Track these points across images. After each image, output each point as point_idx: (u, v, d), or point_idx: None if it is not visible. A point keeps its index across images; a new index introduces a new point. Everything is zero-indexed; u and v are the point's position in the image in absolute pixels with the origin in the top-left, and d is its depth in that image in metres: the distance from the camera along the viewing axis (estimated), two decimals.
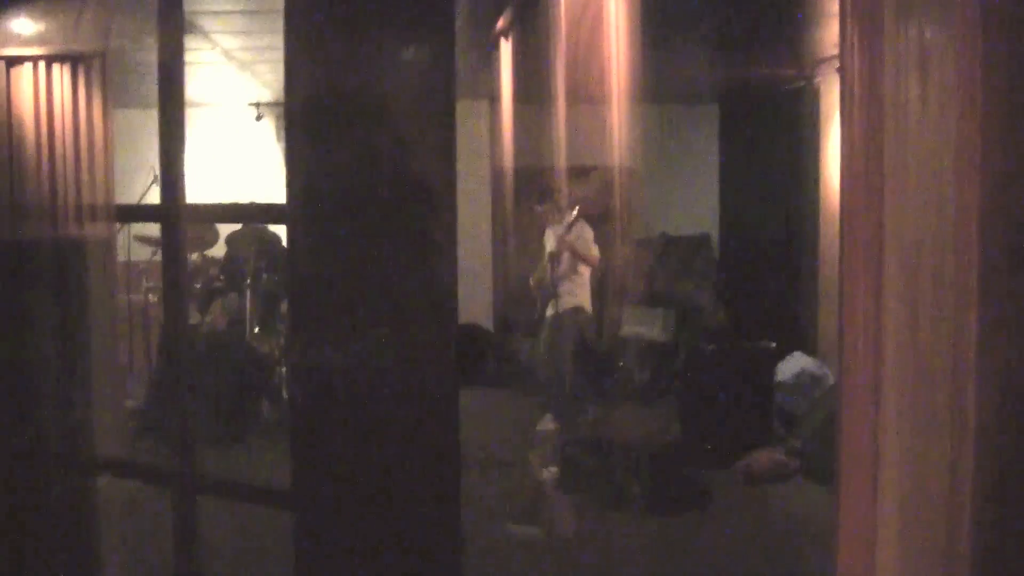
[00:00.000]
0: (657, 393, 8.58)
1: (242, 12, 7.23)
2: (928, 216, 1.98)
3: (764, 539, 5.47)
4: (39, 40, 3.45)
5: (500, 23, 7.08)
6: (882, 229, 2.13)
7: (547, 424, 7.63)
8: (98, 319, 3.34)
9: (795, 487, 6.33)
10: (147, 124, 10.16)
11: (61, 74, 3.35)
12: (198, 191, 10.00)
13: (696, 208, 11.33)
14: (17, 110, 3.37)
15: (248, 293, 8.24)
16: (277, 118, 10.96)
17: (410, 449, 2.73)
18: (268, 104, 10.86)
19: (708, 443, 6.97)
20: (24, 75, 3.35)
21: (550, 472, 6.33)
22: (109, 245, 3.37)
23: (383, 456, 2.72)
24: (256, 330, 8.37)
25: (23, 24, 3.49)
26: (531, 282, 8.05)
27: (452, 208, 2.71)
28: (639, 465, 6.26)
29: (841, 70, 2.27)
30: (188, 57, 8.58)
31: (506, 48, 7.24)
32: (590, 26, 6.64)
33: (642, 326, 9.20)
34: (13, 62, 3.37)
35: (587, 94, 10.64)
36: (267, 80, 9.72)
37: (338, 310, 2.72)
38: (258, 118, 10.85)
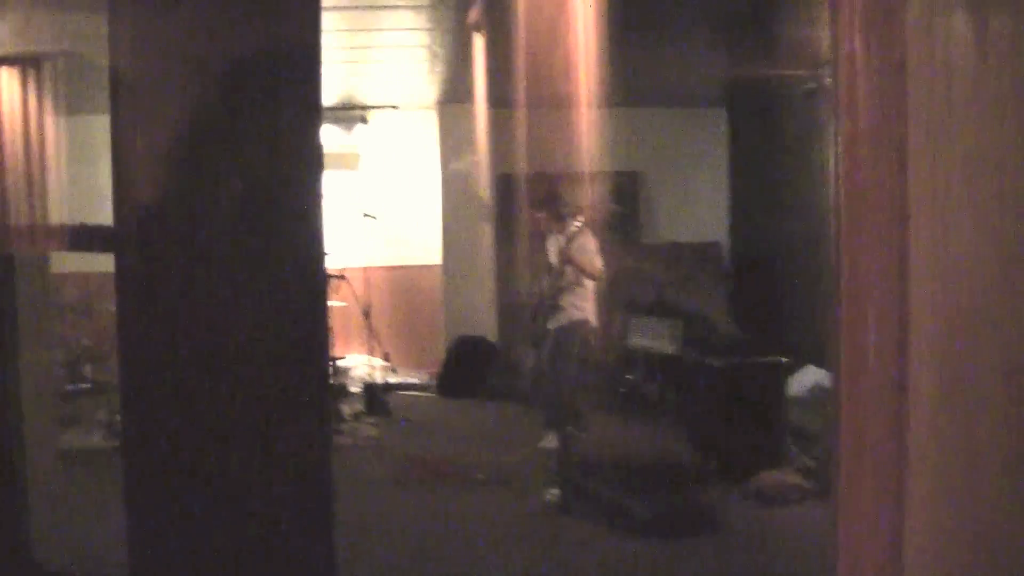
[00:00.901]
0: (664, 409, 8.34)
1: None
2: (983, 213, 1.85)
3: (775, 565, 5.22)
4: None
5: (472, 16, 6.85)
6: (905, 229, 2.06)
7: (549, 442, 7.43)
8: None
9: (808, 509, 6.08)
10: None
11: (9, 79, 3.15)
12: None
13: (705, 215, 11.10)
14: None
15: None
16: None
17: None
18: None
19: (716, 462, 6.73)
20: None
21: (551, 494, 6.09)
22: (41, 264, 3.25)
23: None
24: None
25: None
26: (534, 294, 7.82)
27: None
28: (644, 485, 6.03)
29: (834, 64, 2.18)
30: None
31: (479, 44, 6.99)
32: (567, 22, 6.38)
33: (649, 338, 8.98)
34: None
35: (588, 97, 10.52)
36: None
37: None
38: None
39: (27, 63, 3.15)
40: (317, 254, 3.43)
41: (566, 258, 7.34)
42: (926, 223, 2.03)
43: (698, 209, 11.06)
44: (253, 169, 3.18)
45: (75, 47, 3.27)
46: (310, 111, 3.32)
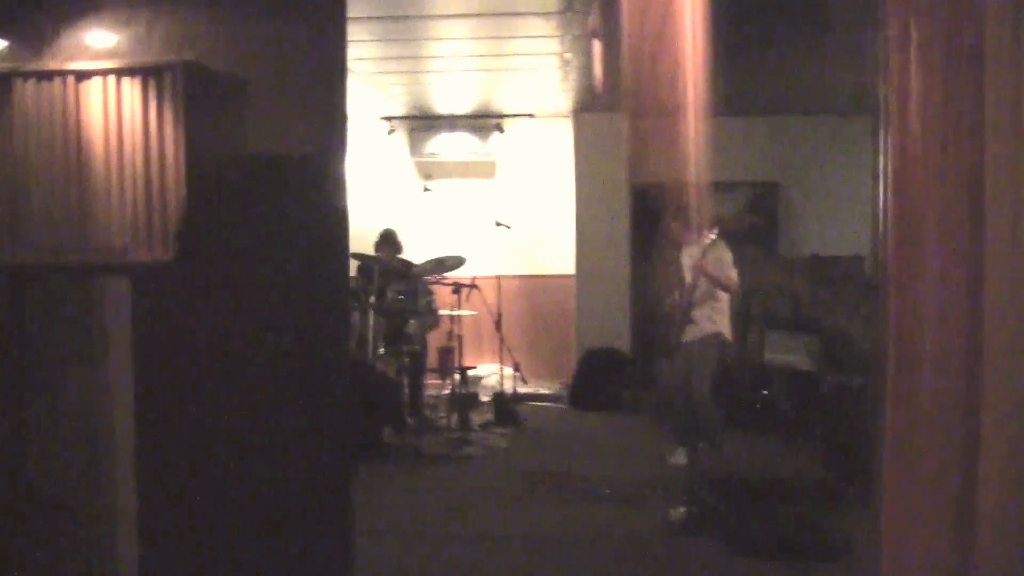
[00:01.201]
0: (799, 427, 8.08)
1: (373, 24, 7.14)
2: None
3: None
4: (109, 53, 3.32)
5: (591, 23, 6.76)
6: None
7: (678, 458, 7.28)
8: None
9: None
10: None
11: (131, 88, 3.20)
12: None
13: (849, 228, 10.74)
14: (86, 124, 3.24)
15: (371, 313, 8.10)
16: (410, 131, 10.89)
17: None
18: (400, 118, 10.79)
19: (853, 484, 6.46)
20: (93, 89, 3.22)
21: (678, 512, 5.93)
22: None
23: None
24: (380, 350, 8.24)
25: (93, 37, 3.36)
26: (667, 306, 7.67)
27: None
28: (776, 506, 5.83)
29: (883, 71, 2.14)
30: None
31: (597, 51, 6.91)
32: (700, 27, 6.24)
33: (785, 353, 8.72)
34: (82, 76, 3.25)
35: (728, 105, 10.32)
36: (395, 94, 9.64)
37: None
38: (390, 132, 10.78)
39: (149, 72, 3.19)
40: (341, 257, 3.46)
41: (700, 270, 7.17)
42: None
43: (841, 221, 10.70)
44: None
45: (197, 55, 3.29)
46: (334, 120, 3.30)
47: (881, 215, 2.40)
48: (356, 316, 8.51)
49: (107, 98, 3.23)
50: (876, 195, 2.38)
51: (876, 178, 2.40)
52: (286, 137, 3.32)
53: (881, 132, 2.26)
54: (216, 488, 3.36)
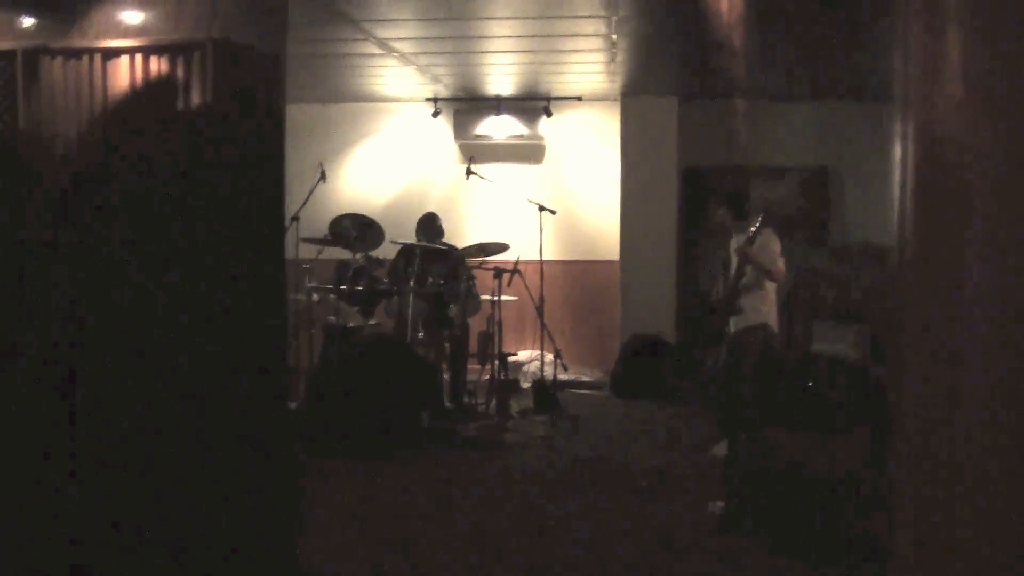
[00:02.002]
0: (846, 420, 7.94)
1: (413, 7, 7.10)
2: None
3: None
4: (137, 31, 3.28)
5: None
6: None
7: (721, 449, 7.18)
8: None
9: None
10: (303, 119, 10.03)
11: (159, 65, 3.16)
12: (375, 191, 9.91)
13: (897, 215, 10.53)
14: (114, 102, 3.21)
15: (411, 296, 8.07)
16: (455, 113, 10.84)
17: None
18: (445, 100, 10.74)
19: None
20: (121, 67, 3.19)
21: (716, 507, 5.85)
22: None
23: None
24: (420, 334, 8.21)
25: (121, 14, 3.33)
26: (712, 295, 7.56)
27: None
28: (817, 502, 5.71)
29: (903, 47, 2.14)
30: (371, 61, 8.52)
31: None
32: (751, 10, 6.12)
33: (834, 344, 8.58)
34: (110, 54, 3.22)
35: (777, 89, 10.18)
36: (440, 75, 9.59)
37: None
38: (435, 114, 10.74)
39: (177, 50, 3.15)
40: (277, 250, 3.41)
41: (746, 258, 7.05)
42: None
43: (893, 208, 10.48)
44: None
45: (227, 32, 3.25)
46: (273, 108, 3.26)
47: (898, 201, 2.38)
48: (396, 300, 8.51)
49: (135, 76, 3.20)
50: (901, 180, 2.31)
51: (902, 163, 2.33)
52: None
53: (900, 113, 2.23)
54: (155, 463, 3.32)
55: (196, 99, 3.22)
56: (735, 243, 7.35)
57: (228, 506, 3.33)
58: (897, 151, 2.34)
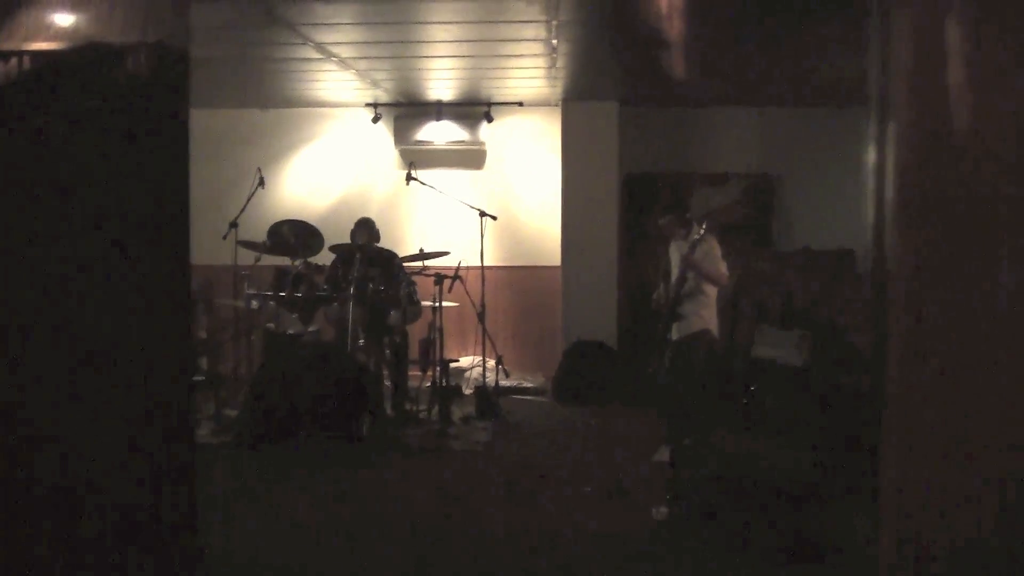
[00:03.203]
0: (788, 425, 8.02)
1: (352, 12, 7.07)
2: None
3: None
4: (69, 34, 3.23)
5: None
6: None
7: (663, 455, 7.22)
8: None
9: None
10: (242, 125, 9.92)
11: (86, 68, 3.11)
12: (315, 196, 9.86)
13: (843, 220, 10.67)
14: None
15: (351, 303, 8.03)
16: (396, 118, 10.81)
17: None
18: (385, 105, 10.71)
19: (841, 483, 6.40)
20: (47, 69, 3.14)
21: (660, 512, 5.87)
22: None
23: None
24: (360, 341, 8.17)
25: (51, 17, 3.27)
26: (653, 301, 7.61)
27: None
28: (760, 506, 5.77)
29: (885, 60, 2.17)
30: (310, 65, 8.45)
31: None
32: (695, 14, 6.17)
33: (775, 349, 8.66)
34: (38, 57, 3.16)
35: (716, 94, 10.28)
36: (380, 80, 9.55)
37: None
38: (375, 120, 10.70)
39: (108, 53, 3.11)
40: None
41: (688, 264, 7.10)
42: None
43: (835, 214, 10.63)
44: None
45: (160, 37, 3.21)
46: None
47: (874, 207, 2.36)
48: (336, 306, 8.45)
49: (61, 78, 3.15)
50: (878, 186, 2.32)
51: (877, 169, 2.33)
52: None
53: (877, 122, 2.27)
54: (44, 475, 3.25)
55: (112, 100, 3.18)
56: (676, 249, 7.40)
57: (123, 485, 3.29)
58: (870, 153, 2.34)
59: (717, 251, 7.21)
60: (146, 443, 3.30)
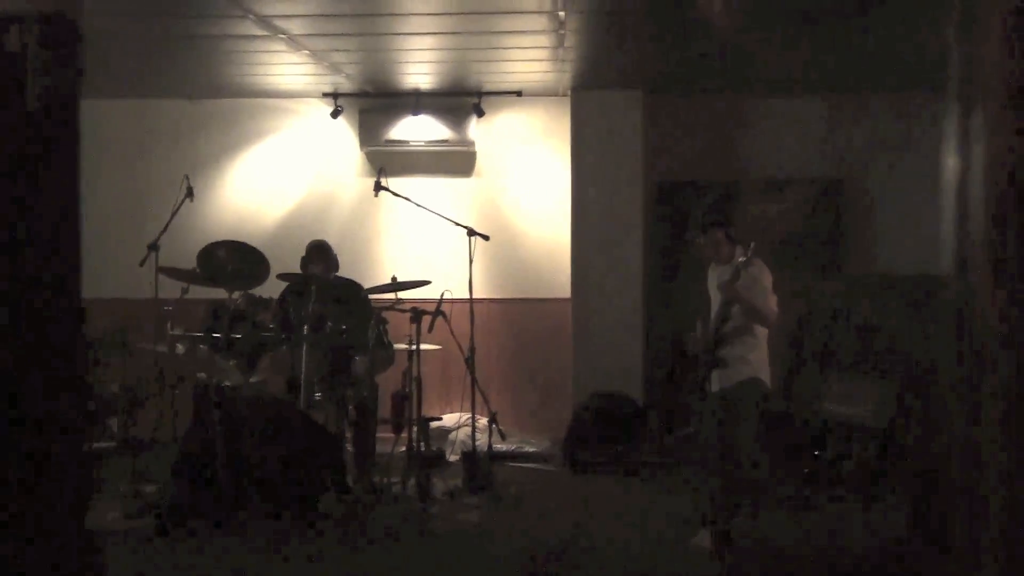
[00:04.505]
0: (868, 501, 8.03)
1: None
2: None
3: None
4: None
5: None
6: None
7: (703, 540, 7.20)
8: None
9: None
10: (164, 119, 9.94)
11: None
12: (258, 211, 9.91)
13: (933, 238, 10.66)
14: None
15: (305, 347, 8.03)
16: (361, 112, 10.84)
17: None
18: (347, 95, 10.74)
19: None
20: None
21: None
22: None
23: None
24: (317, 395, 8.16)
25: None
26: (688, 345, 7.60)
27: None
28: None
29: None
30: (251, 45, 8.54)
31: None
32: None
33: (850, 404, 8.66)
34: None
35: (771, 80, 10.30)
36: (341, 64, 9.58)
37: None
38: (335, 114, 10.73)
39: None
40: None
41: (729, 294, 7.10)
42: None
43: (927, 230, 10.63)
44: None
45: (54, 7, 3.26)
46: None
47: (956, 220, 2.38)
48: (285, 351, 8.44)
49: None
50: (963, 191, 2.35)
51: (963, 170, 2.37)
52: None
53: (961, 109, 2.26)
54: None
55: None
56: (716, 276, 7.40)
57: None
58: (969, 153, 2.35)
59: (767, 279, 7.21)
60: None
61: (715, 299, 7.35)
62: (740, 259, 7.10)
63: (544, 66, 9.66)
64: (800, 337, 9.63)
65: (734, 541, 7.02)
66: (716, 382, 7.31)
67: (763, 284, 7.18)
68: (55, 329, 3.41)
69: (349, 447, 8.66)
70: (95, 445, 8.63)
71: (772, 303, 7.18)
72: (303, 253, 8.88)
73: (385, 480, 8.58)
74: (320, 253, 8.84)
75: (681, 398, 8.32)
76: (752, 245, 7.14)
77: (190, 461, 7.45)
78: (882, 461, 8.45)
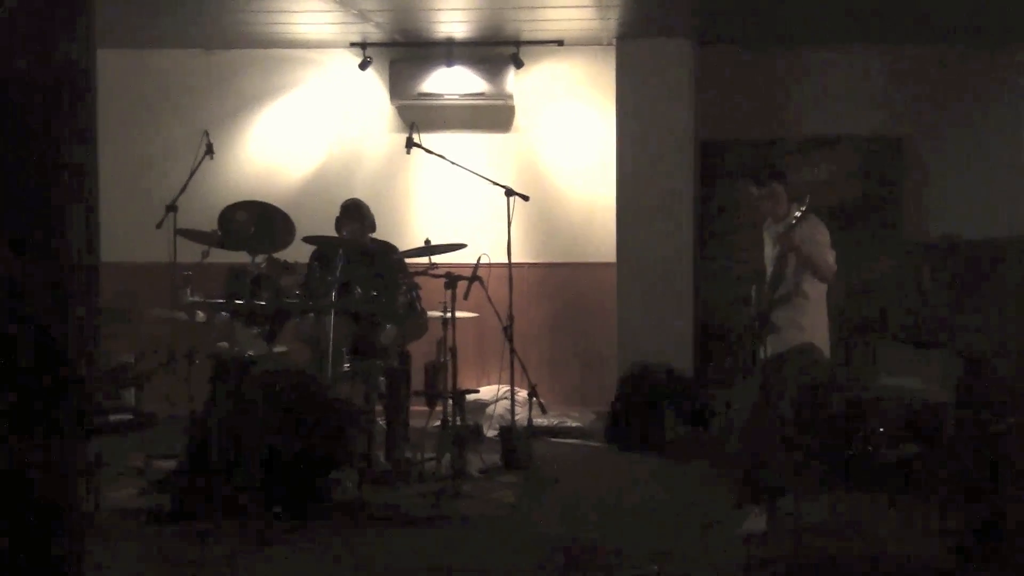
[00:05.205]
0: (928, 481, 7.88)
1: None
2: None
3: None
4: None
5: None
6: None
7: (754, 524, 7.07)
8: None
9: None
10: (181, 71, 9.80)
11: None
12: (282, 170, 9.79)
13: (1000, 201, 10.51)
14: None
15: (332, 314, 7.93)
16: (392, 63, 10.73)
17: None
18: (377, 45, 10.63)
19: (989, 564, 6.27)
20: None
21: None
22: None
23: None
24: (345, 366, 8.08)
25: None
26: (742, 308, 7.50)
27: None
28: None
29: None
30: None
31: None
32: None
33: (907, 376, 8.53)
34: None
35: (826, 30, 10.13)
36: (370, 12, 9.48)
37: None
38: (363, 65, 10.63)
39: None
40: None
41: (786, 244, 6.97)
42: None
43: (993, 191, 10.46)
44: None
45: None
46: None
47: None
48: (311, 319, 8.36)
49: None
50: None
51: None
52: None
53: None
54: None
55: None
56: (771, 237, 7.30)
57: None
58: None
59: (823, 236, 7.16)
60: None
61: (770, 262, 7.23)
62: (796, 214, 6.98)
63: (587, 12, 9.56)
64: (855, 308, 9.51)
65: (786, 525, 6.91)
66: (768, 348, 7.19)
67: (819, 241, 7.10)
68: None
69: (380, 421, 8.58)
70: (110, 418, 8.55)
71: (830, 258, 7.08)
72: (329, 214, 8.79)
73: (418, 456, 8.51)
74: (355, 213, 8.74)
75: (730, 368, 8.20)
76: (807, 198, 7.02)
77: (206, 437, 7.37)
78: (940, 440, 8.32)
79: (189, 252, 8.46)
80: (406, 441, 8.59)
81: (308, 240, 8.40)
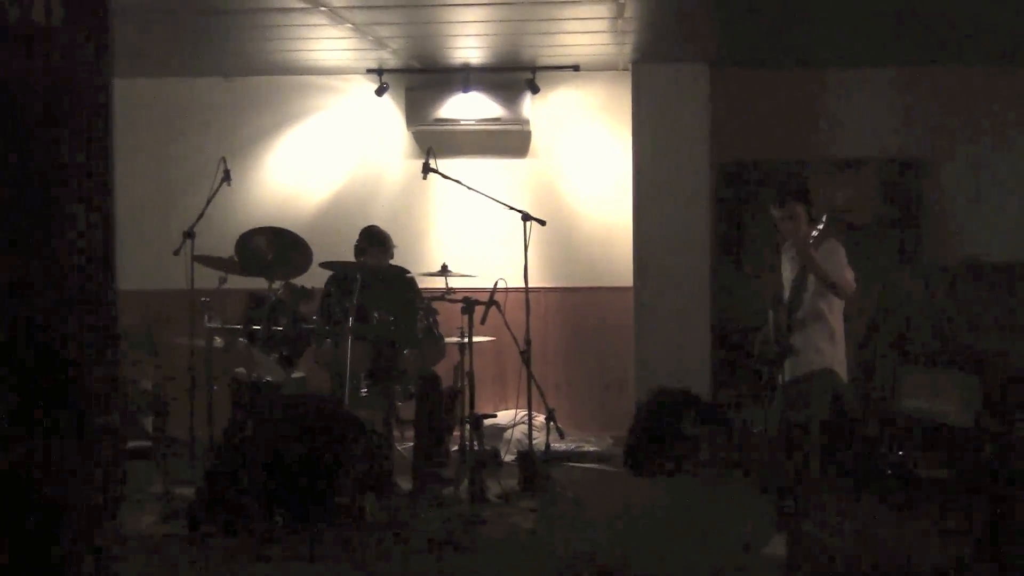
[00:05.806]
0: (950, 503, 7.91)
1: None
2: None
3: None
4: None
5: None
6: None
7: (777, 547, 7.10)
8: None
9: None
10: (199, 99, 9.92)
11: None
12: (299, 196, 9.91)
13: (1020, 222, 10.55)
14: None
15: (350, 339, 7.99)
16: (408, 90, 10.80)
17: None
18: (393, 72, 10.70)
19: None
20: None
21: None
22: None
23: None
24: (363, 391, 8.15)
25: None
26: (755, 346, 7.53)
27: None
28: None
29: None
30: (290, 18, 8.53)
31: None
32: None
33: (929, 399, 8.55)
34: None
35: (845, 52, 10.17)
36: (387, 39, 9.55)
37: None
38: (380, 91, 10.70)
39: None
40: None
41: (806, 260, 7.02)
42: None
43: (1010, 214, 10.50)
44: None
45: None
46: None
47: None
48: (329, 344, 8.42)
49: None
50: None
51: None
52: None
53: None
54: None
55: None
56: (789, 259, 7.35)
57: None
58: None
59: (840, 255, 7.21)
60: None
61: (789, 284, 7.28)
62: (814, 233, 7.05)
63: (603, 38, 9.60)
64: (876, 330, 9.53)
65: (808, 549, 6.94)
66: (787, 372, 7.23)
67: (836, 259, 7.18)
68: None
69: (398, 446, 8.63)
70: (129, 444, 8.63)
71: (848, 275, 7.13)
72: (346, 239, 8.85)
73: (452, 476, 8.57)
74: (372, 239, 8.80)
75: (749, 392, 8.23)
76: (824, 218, 7.08)
77: (225, 462, 7.43)
78: (964, 463, 8.34)
79: (207, 278, 8.55)
80: (443, 459, 8.68)
81: (325, 265, 8.48)
